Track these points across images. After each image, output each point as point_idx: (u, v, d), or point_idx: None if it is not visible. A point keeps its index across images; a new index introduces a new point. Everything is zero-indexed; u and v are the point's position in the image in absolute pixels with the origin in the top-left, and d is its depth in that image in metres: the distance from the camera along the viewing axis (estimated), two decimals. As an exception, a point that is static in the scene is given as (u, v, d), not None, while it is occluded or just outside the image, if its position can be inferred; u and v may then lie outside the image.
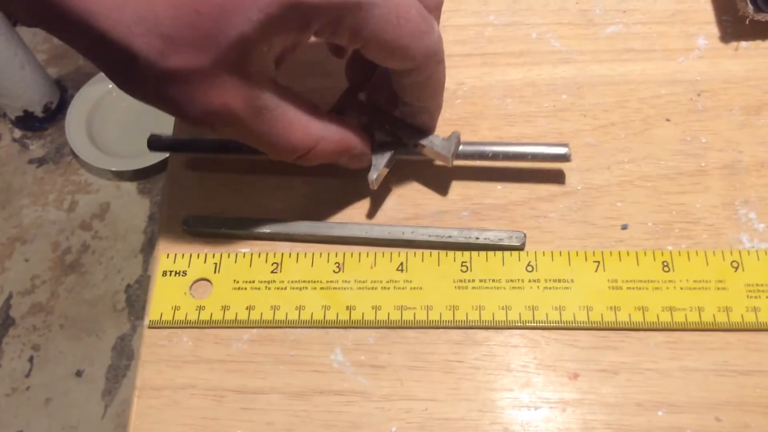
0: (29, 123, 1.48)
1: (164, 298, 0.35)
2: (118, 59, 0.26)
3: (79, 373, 1.27)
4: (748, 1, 0.39)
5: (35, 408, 1.23)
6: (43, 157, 1.48)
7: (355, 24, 0.27)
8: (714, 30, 0.41)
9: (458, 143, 0.36)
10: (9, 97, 1.39)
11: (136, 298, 1.34)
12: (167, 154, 0.40)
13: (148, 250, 1.37)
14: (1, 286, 1.35)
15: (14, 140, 1.51)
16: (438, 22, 0.32)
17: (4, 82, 1.35)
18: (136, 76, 0.26)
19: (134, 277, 1.36)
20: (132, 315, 1.32)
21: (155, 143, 0.38)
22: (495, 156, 0.36)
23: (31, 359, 1.28)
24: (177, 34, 0.25)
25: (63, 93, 1.51)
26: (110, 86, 1.45)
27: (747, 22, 0.39)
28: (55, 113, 1.49)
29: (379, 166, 0.35)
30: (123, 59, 0.26)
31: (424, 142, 0.35)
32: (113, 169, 1.40)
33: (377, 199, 0.37)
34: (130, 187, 1.44)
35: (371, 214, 0.37)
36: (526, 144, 0.36)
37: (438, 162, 0.37)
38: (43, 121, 1.48)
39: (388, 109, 0.37)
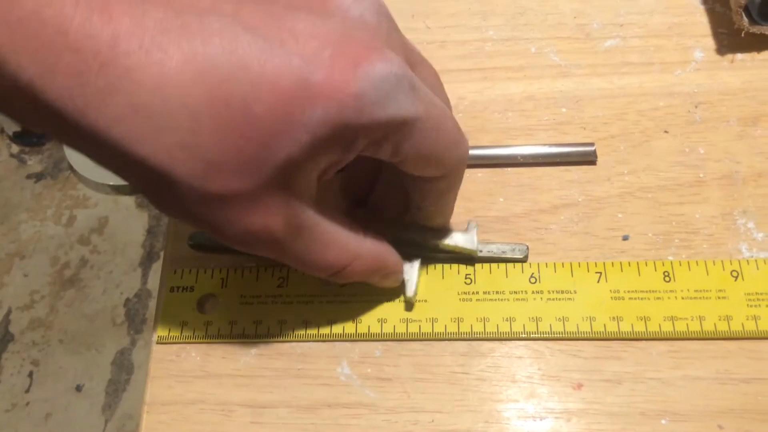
0: (27, 138, 1.48)
1: (172, 313, 0.36)
2: (156, 181, 0.24)
3: (78, 388, 1.27)
4: (744, 14, 0.39)
5: (35, 423, 1.23)
6: (41, 172, 1.49)
7: (399, 139, 0.27)
8: (710, 43, 0.42)
9: (476, 232, 0.35)
10: (7, 112, 1.40)
11: (135, 312, 1.34)
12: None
13: (146, 263, 1.37)
14: (0, 301, 1.35)
15: (12, 156, 1.51)
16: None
17: (2, 97, 1.35)
18: (174, 197, 0.25)
19: (133, 290, 1.36)
20: (131, 329, 1.32)
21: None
22: (523, 160, 0.38)
23: (30, 374, 1.28)
24: (222, 159, 0.24)
25: (61, 108, 1.52)
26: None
27: (743, 34, 0.40)
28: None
29: (413, 276, 0.35)
30: (161, 182, 0.24)
31: (447, 241, 0.35)
32: (111, 183, 1.40)
33: (381, 213, 0.38)
34: (129, 201, 1.44)
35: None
36: (551, 145, 0.38)
37: (464, 254, 0.36)
38: (41, 136, 1.48)
39: (397, 217, 0.35)
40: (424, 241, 0.35)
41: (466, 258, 0.36)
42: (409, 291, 0.34)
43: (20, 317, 1.33)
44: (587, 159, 0.38)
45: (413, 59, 0.29)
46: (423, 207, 0.33)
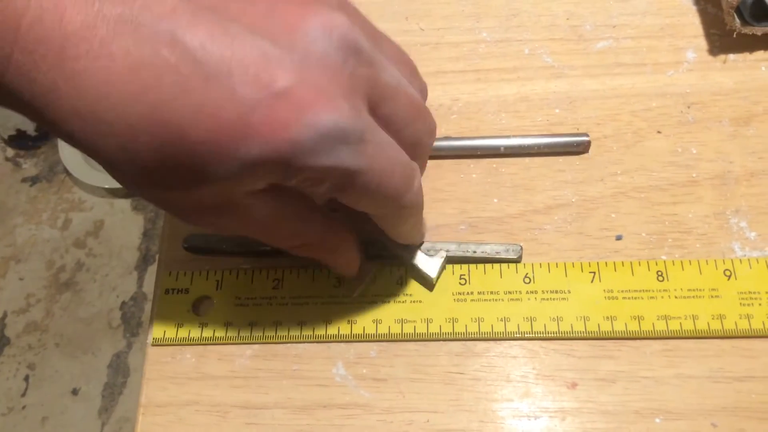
0: (22, 142, 1.48)
1: (167, 315, 0.36)
2: (110, 171, 0.25)
3: (75, 392, 1.27)
4: (735, 15, 0.40)
5: (32, 427, 1.23)
6: (36, 176, 1.49)
7: (337, 184, 0.26)
8: (702, 43, 0.42)
9: (444, 265, 0.36)
10: (1, 116, 1.39)
11: (131, 315, 1.34)
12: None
13: (142, 266, 1.37)
14: (-4, 305, 1.35)
15: (7, 159, 1.51)
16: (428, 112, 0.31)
17: (-3, 101, 1.35)
18: (125, 182, 0.26)
19: (129, 294, 1.36)
20: (127, 332, 1.32)
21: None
22: (508, 150, 0.38)
23: (26, 378, 1.28)
24: (157, 172, 0.24)
25: (56, 111, 1.51)
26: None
27: (734, 35, 0.40)
28: (48, 132, 1.49)
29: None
30: (114, 174, 0.25)
31: (412, 259, 0.35)
32: (107, 186, 1.40)
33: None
34: (124, 204, 1.44)
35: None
36: (542, 136, 0.38)
37: (421, 276, 0.36)
38: (35, 139, 1.48)
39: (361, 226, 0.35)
40: (392, 249, 0.36)
41: (426, 279, 0.35)
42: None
43: (16, 321, 1.33)
44: (581, 149, 0.39)
45: (382, 94, 0.27)
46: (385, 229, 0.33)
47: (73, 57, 0.22)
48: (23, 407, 1.25)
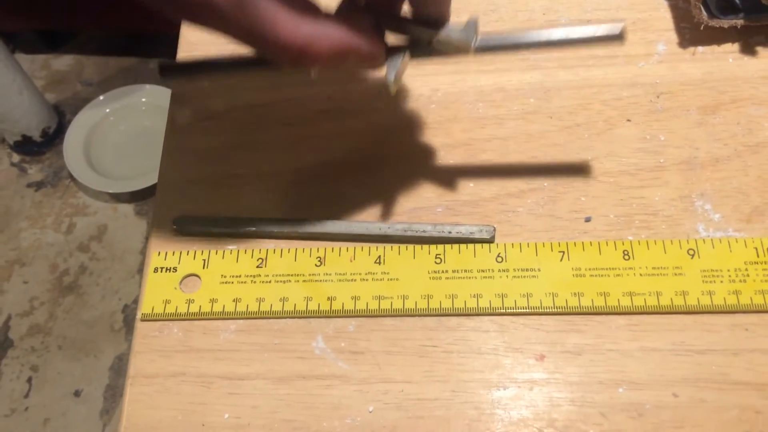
0: (28, 147, 1.50)
1: (156, 292, 0.38)
2: None
3: (77, 393, 1.28)
4: (702, 8, 0.41)
5: (34, 428, 1.24)
6: (41, 181, 1.51)
7: None
8: (673, 36, 0.44)
9: (477, 29, 0.33)
10: (7, 122, 1.42)
11: (133, 318, 1.34)
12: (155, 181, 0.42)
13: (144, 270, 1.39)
14: (0, 308, 1.36)
15: (13, 164, 1.53)
16: None
17: (3, 107, 1.37)
18: None
19: (131, 297, 1.37)
20: (129, 335, 1.34)
21: (167, 69, 0.38)
22: (533, 45, 0.33)
23: (29, 380, 1.29)
24: None
25: (61, 118, 1.54)
26: (107, 111, 1.47)
27: (702, 28, 0.42)
28: (53, 138, 1.51)
29: (396, 64, 0.33)
30: None
31: (441, 35, 0.33)
32: (110, 191, 1.42)
33: (357, 198, 0.40)
34: (127, 209, 1.46)
35: (351, 211, 0.39)
36: (571, 27, 0.33)
37: (458, 52, 0.34)
38: (41, 145, 1.50)
39: (391, 9, 0.34)
40: (419, 34, 0.34)
41: (460, 54, 0.33)
42: (390, 75, 0.33)
43: (20, 323, 1.35)
44: (614, 39, 0.32)
45: None
46: None
47: None
48: (26, 408, 1.27)
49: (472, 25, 0.33)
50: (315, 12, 0.31)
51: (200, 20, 0.29)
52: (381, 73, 0.34)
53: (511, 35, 0.33)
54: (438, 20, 0.33)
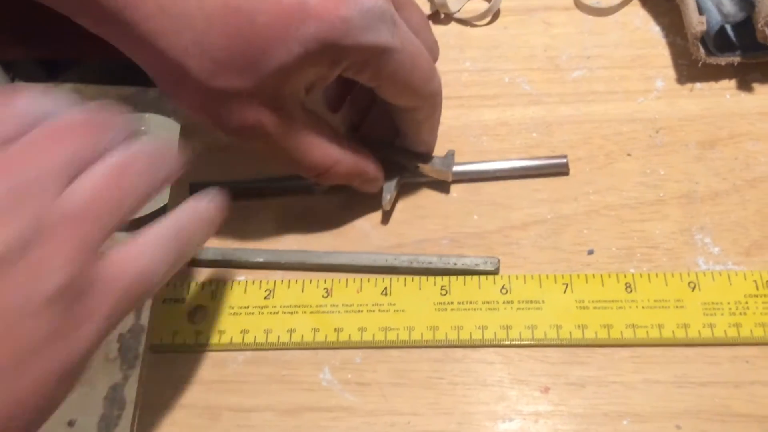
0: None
1: (164, 323, 0.38)
2: (172, 73, 0.30)
3: (71, 423, 1.27)
4: (700, 46, 0.42)
5: (28, 457, 1.23)
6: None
7: (378, 65, 0.32)
8: (671, 73, 0.45)
9: (453, 159, 0.40)
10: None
11: (128, 348, 1.34)
12: (163, 203, 0.42)
13: (141, 299, 1.38)
14: (-5, 335, 1.36)
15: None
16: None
17: None
18: (186, 90, 0.31)
19: (127, 326, 1.37)
20: (124, 364, 1.33)
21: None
22: (495, 174, 0.41)
23: (24, 408, 1.28)
24: (227, 59, 0.29)
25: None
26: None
27: (700, 65, 0.43)
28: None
29: (390, 189, 0.40)
30: (176, 74, 0.30)
31: (424, 165, 0.40)
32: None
33: (364, 230, 0.40)
34: (125, 237, 1.46)
35: (358, 243, 0.40)
36: (525, 159, 0.42)
37: (439, 178, 0.41)
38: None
39: (386, 141, 0.41)
40: (407, 163, 0.40)
41: (441, 179, 0.41)
42: (385, 197, 0.40)
43: (15, 351, 1.34)
44: (560, 171, 0.41)
45: (399, 2, 0.34)
46: (407, 134, 0.39)
47: None
48: (20, 437, 1.26)
49: (450, 157, 0.41)
50: (339, 139, 0.36)
51: (248, 139, 0.33)
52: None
53: (479, 166, 0.42)
54: (424, 154, 0.41)
